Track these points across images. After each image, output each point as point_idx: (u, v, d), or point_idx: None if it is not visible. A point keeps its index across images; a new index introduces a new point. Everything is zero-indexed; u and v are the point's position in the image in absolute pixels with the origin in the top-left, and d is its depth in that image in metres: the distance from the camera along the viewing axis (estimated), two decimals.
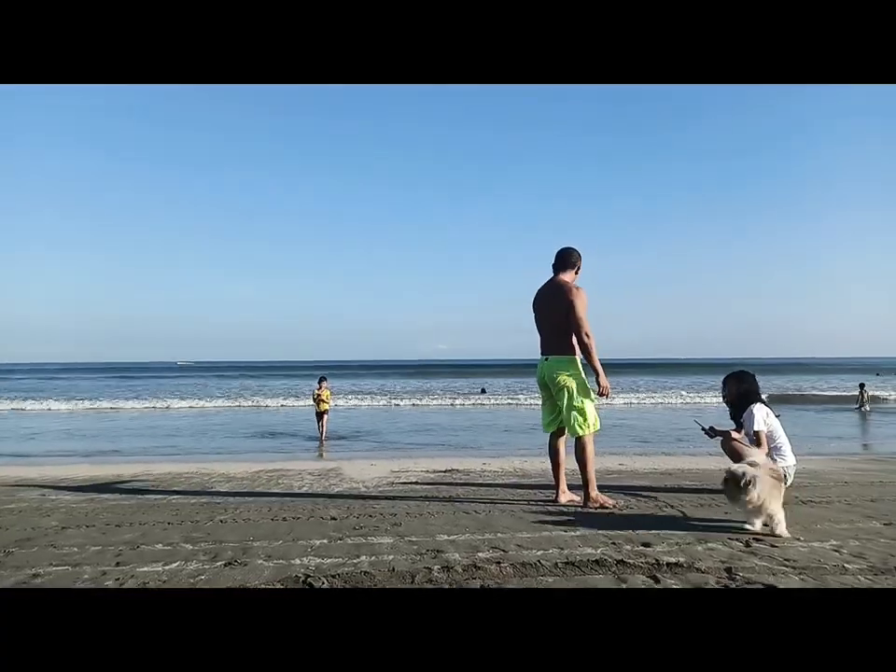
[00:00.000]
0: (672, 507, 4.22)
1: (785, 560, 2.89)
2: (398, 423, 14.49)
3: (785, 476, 4.38)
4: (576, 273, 4.43)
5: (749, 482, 3.24)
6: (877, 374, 38.82)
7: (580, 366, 4.28)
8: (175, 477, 6.04)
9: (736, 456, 4.54)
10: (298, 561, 2.96)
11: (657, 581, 2.63)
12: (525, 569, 2.78)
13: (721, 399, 5.03)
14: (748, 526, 3.46)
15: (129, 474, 6.28)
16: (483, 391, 25.51)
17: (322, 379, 11.84)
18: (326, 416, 11.35)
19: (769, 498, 3.30)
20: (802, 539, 3.27)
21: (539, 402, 4.68)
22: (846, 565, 2.81)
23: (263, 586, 2.58)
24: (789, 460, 4.45)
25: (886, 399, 19.82)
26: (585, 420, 4.20)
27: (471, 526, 3.64)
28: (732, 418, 4.80)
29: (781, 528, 3.34)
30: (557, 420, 4.43)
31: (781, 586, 2.51)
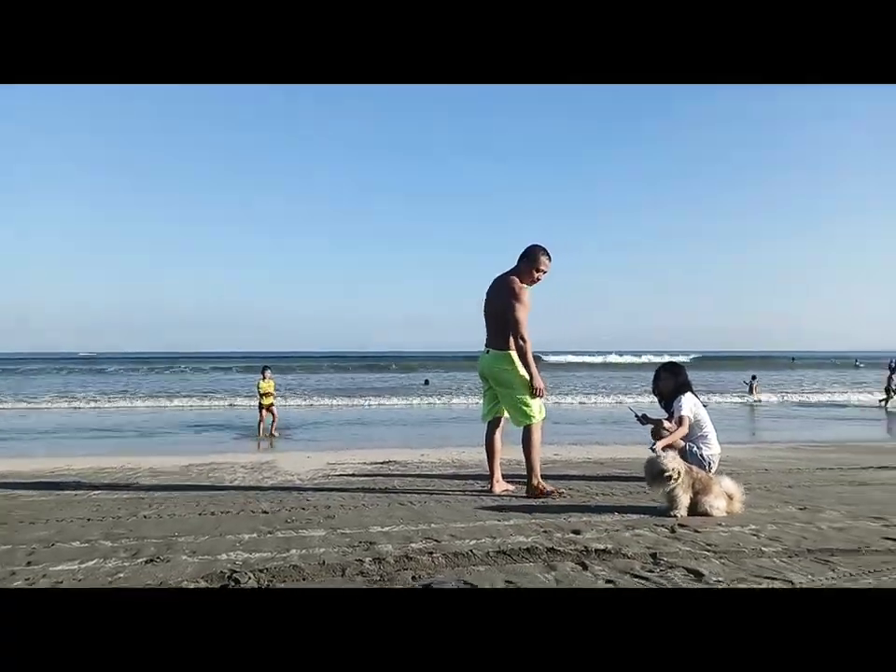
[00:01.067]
0: (604, 495, 4.33)
1: (707, 545, 2.99)
2: (338, 416, 14.33)
3: (709, 464, 4.56)
4: (528, 271, 4.32)
5: (670, 473, 3.52)
6: (856, 365, 40.88)
7: (516, 359, 4.25)
8: (98, 472, 5.78)
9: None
10: (224, 556, 2.87)
11: (585, 567, 2.68)
12: (457, 559, 2.78)
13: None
14: (673, 513, 3.59)
15: (48, 469, 5.97)
16: (427, 383, 25.50)
17: (265, 369, 11.19)
18: (272, 409, 10.73)
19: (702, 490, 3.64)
20: (723, 524, 3.39)
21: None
22: (762, 548, 2.93)
23: (186, 583, 2.50)
24: (714, 448, 4.62)
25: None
26: (530, 409, 4.24)
27: (406, 517, 3.62)
28: (663, 409, 4.94)
29: (716, 511, 3.61)
30: (494, 410, 4.48)
31: (703, 570, 2.60)
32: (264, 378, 10.94)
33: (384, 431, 11.30)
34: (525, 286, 4.30)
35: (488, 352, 4.39)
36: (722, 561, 2.75)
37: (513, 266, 4.40)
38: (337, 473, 5.59)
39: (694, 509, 3.60)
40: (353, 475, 5.46)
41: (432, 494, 4.43)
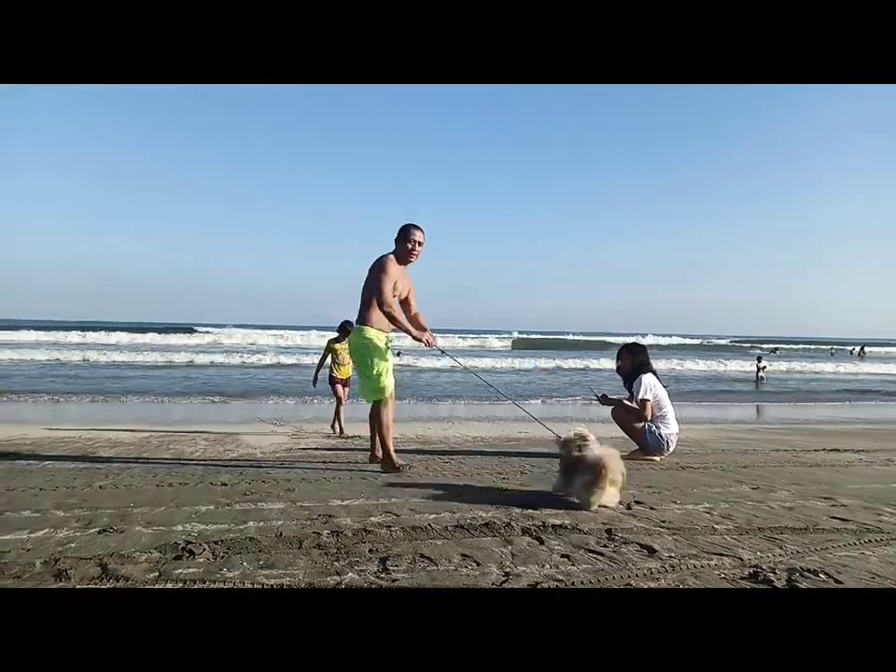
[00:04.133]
0: None
1: (661, 521, 3.05)
2: (304, 387, 14.19)
3: (668, 443, 4.66)
4: (403, 248, 4.42)
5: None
6: (775, 351, 41.67)
7: (374, 334, 4.36)
8: (55, 442, 5.64)
9: (626, 426, 4.77)
10: (180, 527, 2.84)
11: (542, 542, 2.71)
12: (415, 533, 2.80)
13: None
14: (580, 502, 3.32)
15: (2, 438, 5.80)
16: (399, 354, 25.29)
17: (345, 327, 6.76)
18: (347, 387, 7.14)
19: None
20: (678, 502, 3.47)
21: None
22: (715, 525, 3.00)
23: (138, 554, 2.46)
24: (672, 428, 4.72)
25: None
26: (381, 385, 4.36)
27: (366, 492, 3.62)
28: (626, 389, 5.02)
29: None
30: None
31: (655, 546, 2.66)
32: (341, 339, 6.89)
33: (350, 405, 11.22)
34: (393, 261, 4.37)
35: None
36: (675, 537, 2.81)
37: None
38: (300, 447, 5.56)
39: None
40: (316, 449, 5.44)
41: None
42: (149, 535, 2.73)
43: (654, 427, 4.65)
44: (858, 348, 45.01)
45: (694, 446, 5.69)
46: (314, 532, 2.78)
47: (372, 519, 3.02)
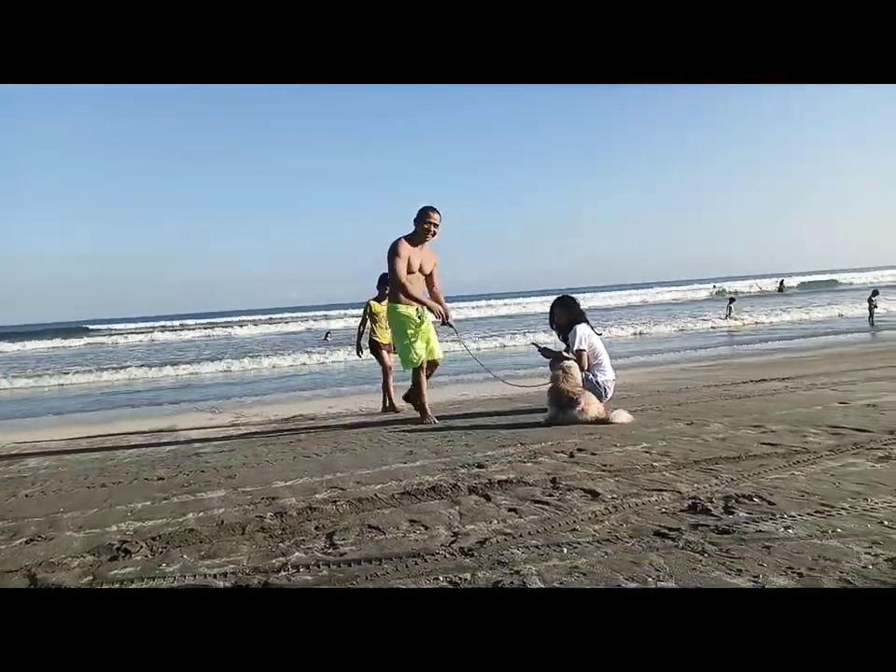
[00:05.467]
0: (508, 428, 4.42)
1: (603, 465, 3.13)
2: (242, 373, 13.87)
3: (605, 390, 4.77)
4: (420, 229, 4.97)
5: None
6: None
7: (404, 310, 4.97)
8: None
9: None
10: (114, 528, 2.71)
11: (489, 499, 2.73)
12: (362, 504, 2.76)
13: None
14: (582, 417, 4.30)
15: None
16: (327, 337, 24.96)
17: (384, 281, 5.83)
18: (390, 353, 6.23)
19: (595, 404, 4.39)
20: (618, 445, 3.56)
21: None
22: (654, 463, 3.10)
23: (70, 559, 2.33)
24: (608, 374, 4.82)
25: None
26: (408, 356, 4.99)
27: (310, 469, 3.55)
28: (562, 340, 5.08)
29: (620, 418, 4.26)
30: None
31: (598, 489, 2.71)
32: (379, 298, 6.21)
33: (288, 384, 11.03)
34: (404, 243, 4.93)
35: None
36: (617, 479, 2.88)
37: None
38: (241, 432, 5.42)
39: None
40: (257, 433, 5.31)
41: (339, 444, 4.36)
42: (81, 539, 2.59)
43: (591, 376, 4.74)
44: (777, 282, 45.82)
45: (631, 390, 5.85)
46: (256, 516, 2.71)
47: (317, 496, 2.97)
